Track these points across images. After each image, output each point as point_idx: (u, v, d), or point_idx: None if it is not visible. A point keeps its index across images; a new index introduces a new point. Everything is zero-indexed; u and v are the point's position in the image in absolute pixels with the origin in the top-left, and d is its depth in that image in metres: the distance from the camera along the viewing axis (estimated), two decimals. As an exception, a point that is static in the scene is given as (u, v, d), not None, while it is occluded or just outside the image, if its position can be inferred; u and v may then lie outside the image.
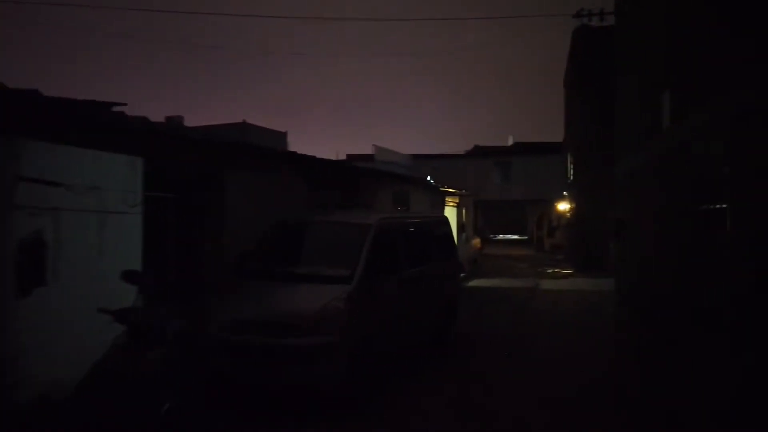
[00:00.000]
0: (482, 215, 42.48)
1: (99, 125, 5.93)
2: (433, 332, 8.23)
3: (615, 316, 12.03)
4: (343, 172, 11.71)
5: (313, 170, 10.09)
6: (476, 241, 24.94)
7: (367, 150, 26.35)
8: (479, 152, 42.64)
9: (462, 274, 17.16)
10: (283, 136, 23.24)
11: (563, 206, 28.65)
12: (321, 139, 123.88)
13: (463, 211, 19.83)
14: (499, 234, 43.29)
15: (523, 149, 41.36)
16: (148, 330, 4.26)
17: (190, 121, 17.67)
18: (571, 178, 25.28)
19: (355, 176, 12.21)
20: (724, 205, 6.57)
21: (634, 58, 11.82)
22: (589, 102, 22.12)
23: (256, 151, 8.88)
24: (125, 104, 5.97)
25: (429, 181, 15.66)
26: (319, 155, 10.24)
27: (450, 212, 18.36)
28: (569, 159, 26.44)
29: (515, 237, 43.18)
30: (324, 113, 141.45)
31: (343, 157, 35.52)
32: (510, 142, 43.87)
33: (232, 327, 5.66)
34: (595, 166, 21.84)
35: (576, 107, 23.38)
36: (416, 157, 33.77)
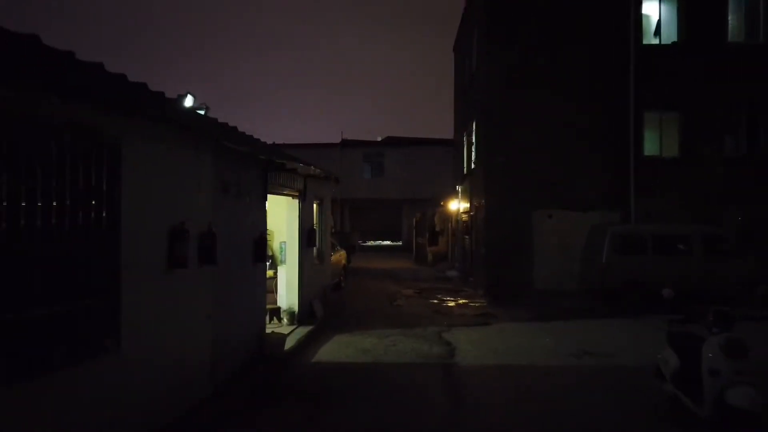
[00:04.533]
0: (350, 217, 35.28)
1: None
2: None
3: None
4: None
5: None
6: (340, 255, 16.86)
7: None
8: (347, 144, 34.76)
9: (308, 328, 8.19)
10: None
11: (456, 205, 21.56)
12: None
13: (314, 207, 11.43)
14: (369, 240, 35.81)
15: (398, 142, 34.45)
16: None
17: None
18: (472, 165, 18.09)
19: None
20: None
21: None
22: (505, 48, 14.93)
23: None
24: None
25: (205, 116, 5.68)
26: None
27: (287, 209, 9.96)
28: (466, 141, 19.30)
29: (389, 243, 36.10)
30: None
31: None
32: (379, 139, 36.54)
33: None
34: (515, 140, 14.71)
35: (473, 66, 16.26)
36: (275, 147, 25.36)
